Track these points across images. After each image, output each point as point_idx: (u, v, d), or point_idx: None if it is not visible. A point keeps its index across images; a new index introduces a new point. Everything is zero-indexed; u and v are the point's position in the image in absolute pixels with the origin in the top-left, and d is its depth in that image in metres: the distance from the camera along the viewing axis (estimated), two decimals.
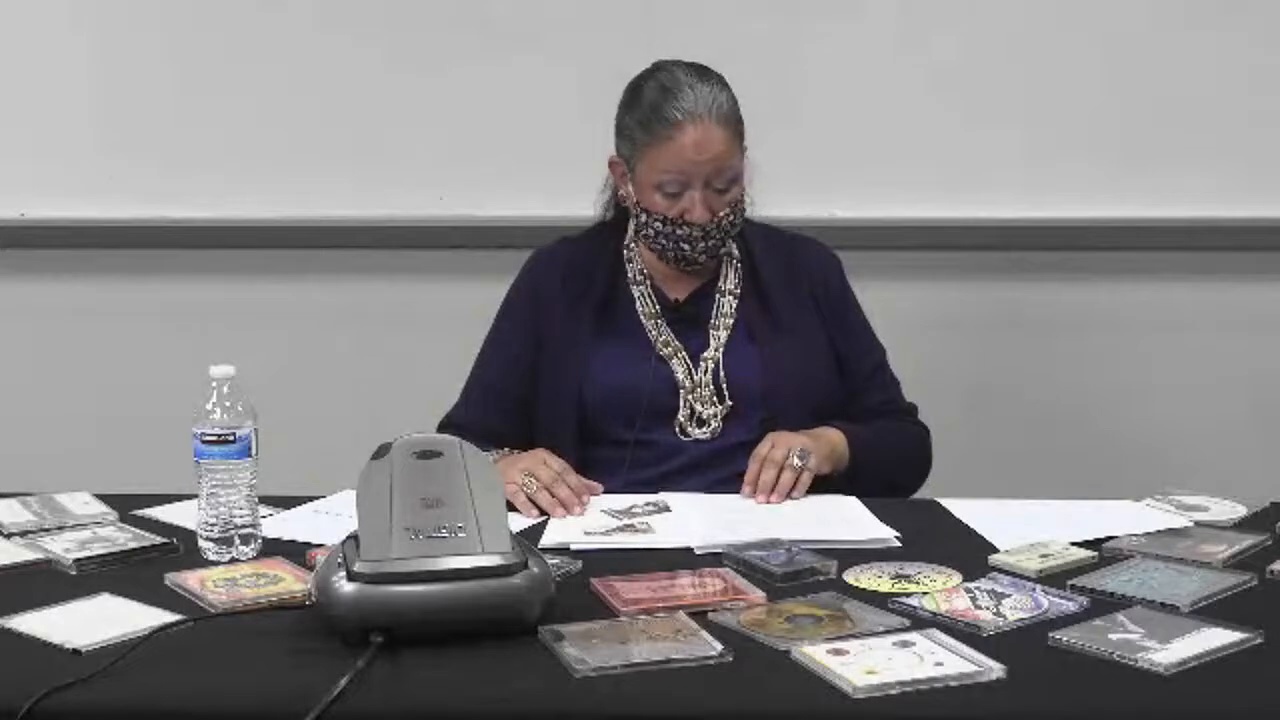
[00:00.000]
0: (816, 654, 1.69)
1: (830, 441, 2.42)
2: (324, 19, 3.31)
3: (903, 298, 3.21)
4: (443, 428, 2.53)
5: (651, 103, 2.44)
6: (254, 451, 2.07)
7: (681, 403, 2.49)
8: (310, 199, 3.34)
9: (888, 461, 2.49)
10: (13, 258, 3.43)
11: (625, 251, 2.59)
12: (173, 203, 3.37)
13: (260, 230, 3.37)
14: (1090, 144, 3.23)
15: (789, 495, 2.32)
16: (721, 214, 2.46)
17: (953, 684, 1.64)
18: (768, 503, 2.31)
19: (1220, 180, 3.22)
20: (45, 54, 3.37)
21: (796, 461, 2.33)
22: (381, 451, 1.85)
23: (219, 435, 2.04)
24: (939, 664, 1.67)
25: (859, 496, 2.34)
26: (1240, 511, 2.24)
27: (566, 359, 2.50)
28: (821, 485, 2.37)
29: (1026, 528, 2.14)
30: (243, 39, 3.33)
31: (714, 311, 2.54)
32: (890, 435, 2.53)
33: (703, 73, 2.47)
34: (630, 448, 2.46)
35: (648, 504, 2.29)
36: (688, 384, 2.49)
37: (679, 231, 2.46)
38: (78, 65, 3.38)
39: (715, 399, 2.49)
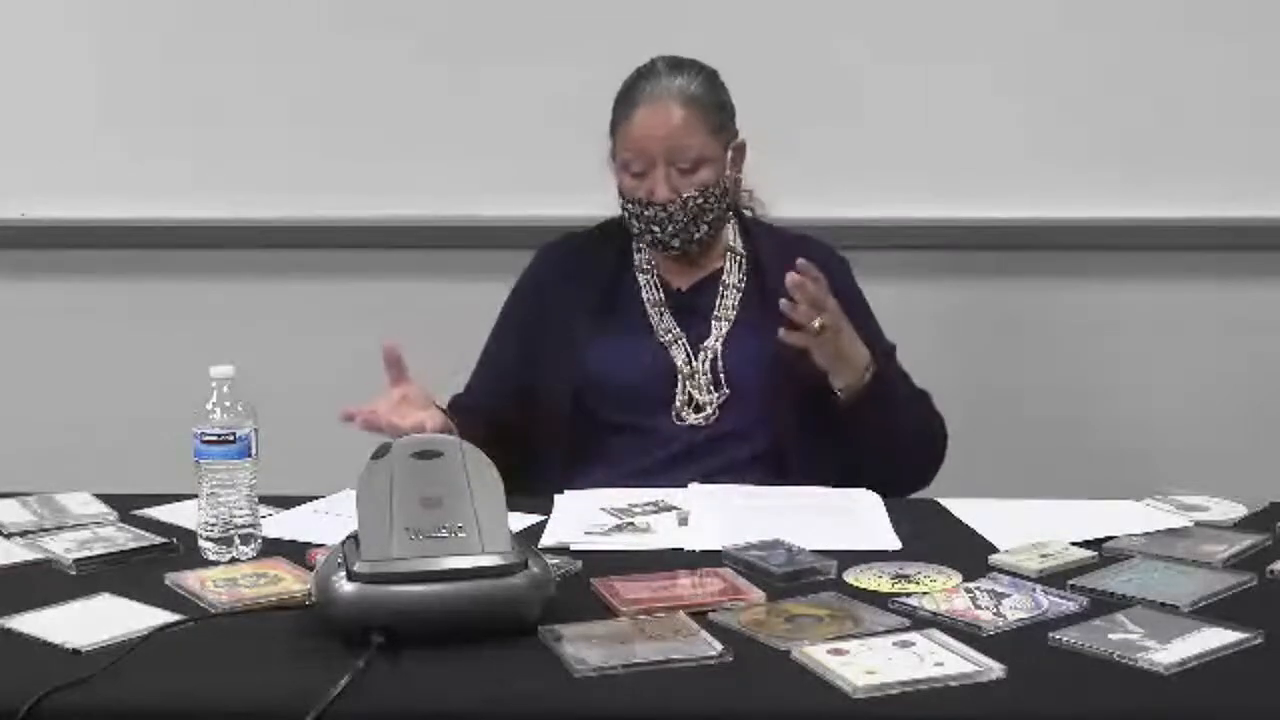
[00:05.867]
0: (816, 654, 1.69)
1: (860, 351, 2.43)
2: (324, 20, 3.32)
3: (903, 298, 3.19)
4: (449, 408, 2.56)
5: (623, 89, 2.54)
6: (254, 451, 2.07)
7: (680, 389, 2.51)
8: (311, 199, 3.34)
9: (904, 412, 2.47)
10: (13, 258, 3.43)
11: (635, 241, 2.61)
12: (173, 203, 3.37)
13: (260, 230, 3.37)
14: (1091, 144, 3.23)
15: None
16: (687, 195, 2.48)
17: (953, 684, 1.64)
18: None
19: (1220, 180, 3.22)
20: (45, 54, 3.37)
21: (815, 324, 2.34)
22: (381, 451, 1.85)
23: (219, 435, 2.04)
24: (939, 664, 1.67)
25: (869, 457, 2.38)
26: (1240, 511, 2.24)
27: (569, 345, 2.52)
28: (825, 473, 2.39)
29: (1026, 528, 2.14)
30: (243, 40, 3.33)
31: (717, 303, 2.57)
32: (909, 395, 2.53)
33: (680, 63, 2.55)
34: (628, 434, 2.48)
35: (648, 503, 2.29)
36: (686, 370, 2.52)
37: (647, 213, 2.50)
38: (78, 65, 3.38)
39: (712, 386, 2.51)
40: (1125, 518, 2.20)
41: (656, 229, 2.52)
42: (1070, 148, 3.24)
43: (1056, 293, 3.32)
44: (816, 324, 2.36)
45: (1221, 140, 3.21)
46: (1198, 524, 2.18)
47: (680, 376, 2.52)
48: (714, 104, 2.54)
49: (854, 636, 1.75)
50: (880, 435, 2.43)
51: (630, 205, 2.53)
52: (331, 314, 3.42)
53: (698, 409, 2.51)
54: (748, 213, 2.70)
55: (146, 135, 3.37)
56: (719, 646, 1.72)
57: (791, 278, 2.34)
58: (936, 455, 2.56)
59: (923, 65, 3.24)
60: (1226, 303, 3.29)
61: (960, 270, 3.31)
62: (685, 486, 2.36)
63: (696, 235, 2.53)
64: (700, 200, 2.50)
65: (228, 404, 2.05)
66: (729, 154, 2.55)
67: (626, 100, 2.53)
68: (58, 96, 3.38)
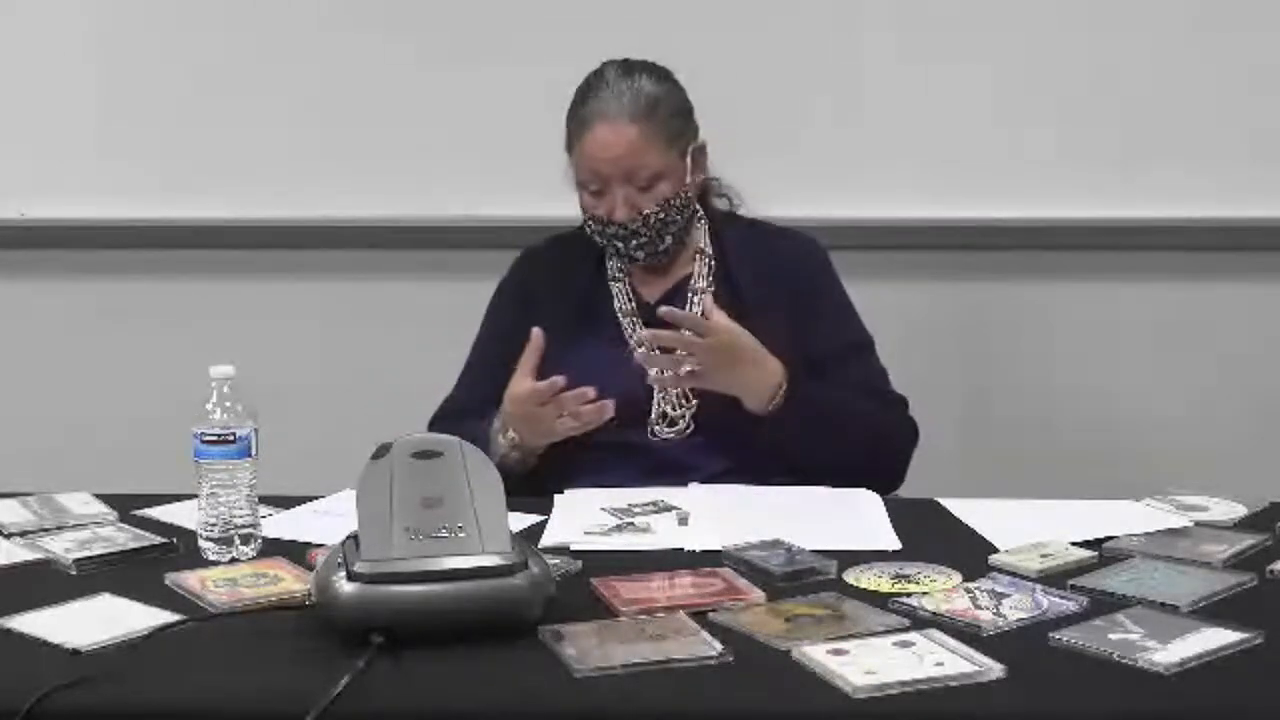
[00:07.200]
0: (816, 654, 1.69)
1: (759, 379, 2.41)
2: (323, 20, 3.32)
3: (900, 298, 3.21)
4: (438, 417, 2.56)
5: (574, 104, 2.50)
6: (254, 451, 2.07)
7: (654, 403, 2.49)
8: (311, 199, 3.34)
9: (831, 422, 2.42)
10: (13, 258, 3.44)
11: (608, 250, 2.59)
12: (173, 203, 3.37)
13: (260, 230, 3.37)
14: (1090, 144, 3.23)
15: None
16: (648, 211, 2.46)
17: (953, 684, 1.64)
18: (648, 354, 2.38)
19: (1219, 180, 3.22)
20: (45, 53, 3.37)
21: (684, 367, 2.37)
22: (381, 451, 1.85)
23: (219, 435, 2.04)
24: (939, 664, 1.67)
25: (804, 459, 2.38)
26: (1240, 511, 2.24)
27: (548, 357, 2.50)
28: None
29: (1026, 528, 2.14)
30: (242, 39, 3.33)
31: (687, 310, 2.52)
32: (848, 402, 2.47)
33: (631, 69, 2.50)
34: (604, 449, 2.44)
35: (648, 504, 2.29)
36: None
37: (608, 230, 2.49)
38: (78, 65, 3.38)
39: (683, 397, 2.49)
40: (1125, 518, 2.20)
41: (620, 244, 2.50)
42: (1069, 148, 3.23)
43: (1056, 293, 3.32)
44: (681, 371, 2.38)
45: (1221, 140, 3.21)
46: (1198, 524, 2.18)
47: (654, 390, 2.48)
48: (669, 111, 2.48)
49: (854, 636, 1.75)
50: (808, 451, 2.41)
51: (591, 223, 2.51)
52: (331, 314, 3.42)
53: (671, 423, 2.50)
54: (721, 202, 2.65)
55: (146, 135, 3.37)
56: (719, 646, 1.72)
57: (645, 334, 2.39)
58: (887, 466, 2.49)
59: (921, 65, 3.23)
60: (1226, 303, 3.29)
61: (958, 270, 3.31)
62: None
63: (662, 247, 2.51)
64: (662, 215, 2.47)
65: (228, 404, 2.05)
66: (688, 160, 2.51)
67: (578, 118, 2.48)
68: (58, 96, 3.38)
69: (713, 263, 2.58)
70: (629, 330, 2.54)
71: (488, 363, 2.59)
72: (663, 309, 2.40)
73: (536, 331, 2.41)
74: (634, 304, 2.56)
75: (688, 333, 2.36)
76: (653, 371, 2.40)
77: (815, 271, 2.60)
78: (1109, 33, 3.21)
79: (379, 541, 1.78)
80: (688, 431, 2.49)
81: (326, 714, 1.59)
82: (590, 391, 2.35)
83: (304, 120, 3.34)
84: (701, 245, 2.58)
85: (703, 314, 2.41)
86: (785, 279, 2.56)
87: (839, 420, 2.44)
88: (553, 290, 2.58)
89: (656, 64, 2.53)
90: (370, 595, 1.75)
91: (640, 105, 2.46)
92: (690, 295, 2.55)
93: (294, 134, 3.34)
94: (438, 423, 2.55)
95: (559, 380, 2.35)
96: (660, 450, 2.48)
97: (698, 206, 2.61)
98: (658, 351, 2.39)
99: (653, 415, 2.49)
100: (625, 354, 2.47)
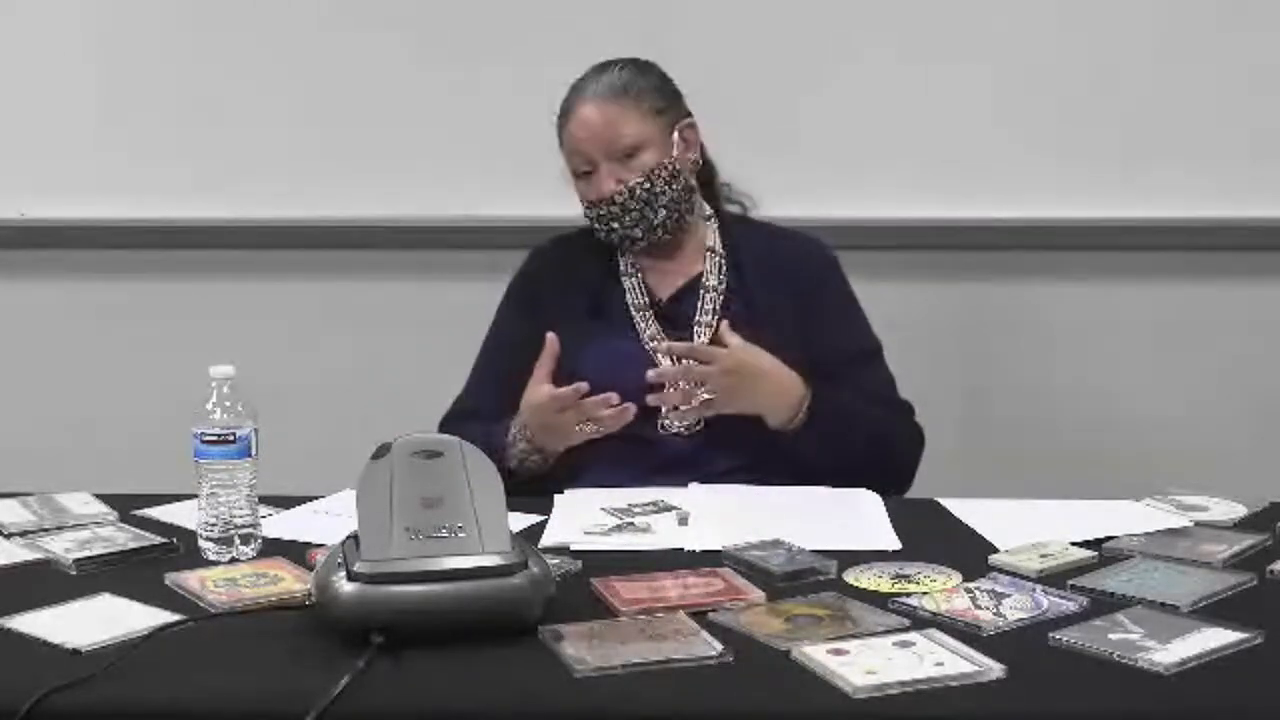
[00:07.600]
0: (816, 654, 1.69)
1: (777, 402, 2.43)
2: (324, 20, 3.32)
3: (901, 298, 3.20)
4: (449, 417, 2.56)
5: (562, 101, 2.57)
6: (254, 451, 2.07)
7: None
8: (310, 199, 3.34)
9: (846, 433, 2.45)
10: (13, 258, 3.44)
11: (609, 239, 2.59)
12: (173, 203, 3.37)
13: (260, 230, 3.37)
14: (1090, 144, 3.23)
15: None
16: (633, 182, 2.49)
17: (953, 684, 1.64)
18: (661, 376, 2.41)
19: (1219, 180, 3.22)
20: (46, 53, 3.37)
21: (700, 394, 2.40)
22: (381, 451, 1.85)
23: (219, 435, 2.04)
24: (939, 664, 1.67)
25: (811, 462, 2.39)
26: (1240, 511, 2.24)
27: (561, 353, 2.50)
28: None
29: (1026, 528, 2.14)
30: (243, 39, 3.33)
31: (698, 308, 2.55)
32: (861, 412, 2.48)
33: (609, 63, 2.57)
34: (614, 442, 2.43)
35: (648, 504, 2.29)
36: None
37: (602, 213, 2.52)
38: (78, 64, 3.38)
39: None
40: (1125, 518, 2.20)
41: (615, 225, 2.52)
42: (1069, 148, 3.24)
43: (1055, 293, 3.32)
44: (695, 403, 2.41)
45: (1221, 140, 3.21)
46: (1198, 524, 2.18)
47: (665, 384, 2.47)
48: (647, 89, 2.54)
49: (854, 636, 1.75)
50: (822, 459, 2.42)
51: (587, 210, 2.54)
52: (331, 314, 3.42)
53: (681, 417, 2.50)
54: (734, 208, 2.68)
55: (146, 135, 3.37)
56: (719, 646, 1.72)
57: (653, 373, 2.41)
58: (895, 475, 2.51)
59: (921, 65, 3.24)
60: (1226, 303, 3.29)
61: (959, 270, 3.31)
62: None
63: (656, 221, 2.52)
64: (648, 185, 2.50)
65: (228, 404, 2.05)
66: (675, 134, 2.54)
67: (562, 113, 2.56)
68: (58, 96, 3.38)
69: (723, 262, 2.59)
70: (641, 325, 2.55)
71: (496, 364, 2.60)
72: (664, 344, 2.45)
73: (551, 337, 2.43)
74: (646, 299, 2.57)
75: (695, 363, 2.40)
76: (672, 408, 2.44)
77: (820, 271, 2.61)
78: (1109, 33, 3.21)
79: (379, 541, 1.78)
80: (698, 427, 2.50)
81: (326, 714, 1.59)
82: (614, 397, 2.37)
83: (304, 120, 3.34)
84: (711, 244, 2.60)
85: (715, 339, 2.44)
86: (790, 279, 2.57)
87: (853, 430, 2.47)
88: (562, 287, 2.59)
89: (637, 58, 2.58)
90: (370, 595, 1.75)
91: (617, 84, 2.53)
92: (701, 293, 2.57)
93: (294, 134, 3.35)
94: (447, 424, 2.55)
95: (583, 386, 2.37)
96: (669, 445, 2.49)
97: (704, 205, 2.63)
98: (673, 388, 2.42)
99: (663, 410, 2.49)
100: (637, 351, 2.50)
